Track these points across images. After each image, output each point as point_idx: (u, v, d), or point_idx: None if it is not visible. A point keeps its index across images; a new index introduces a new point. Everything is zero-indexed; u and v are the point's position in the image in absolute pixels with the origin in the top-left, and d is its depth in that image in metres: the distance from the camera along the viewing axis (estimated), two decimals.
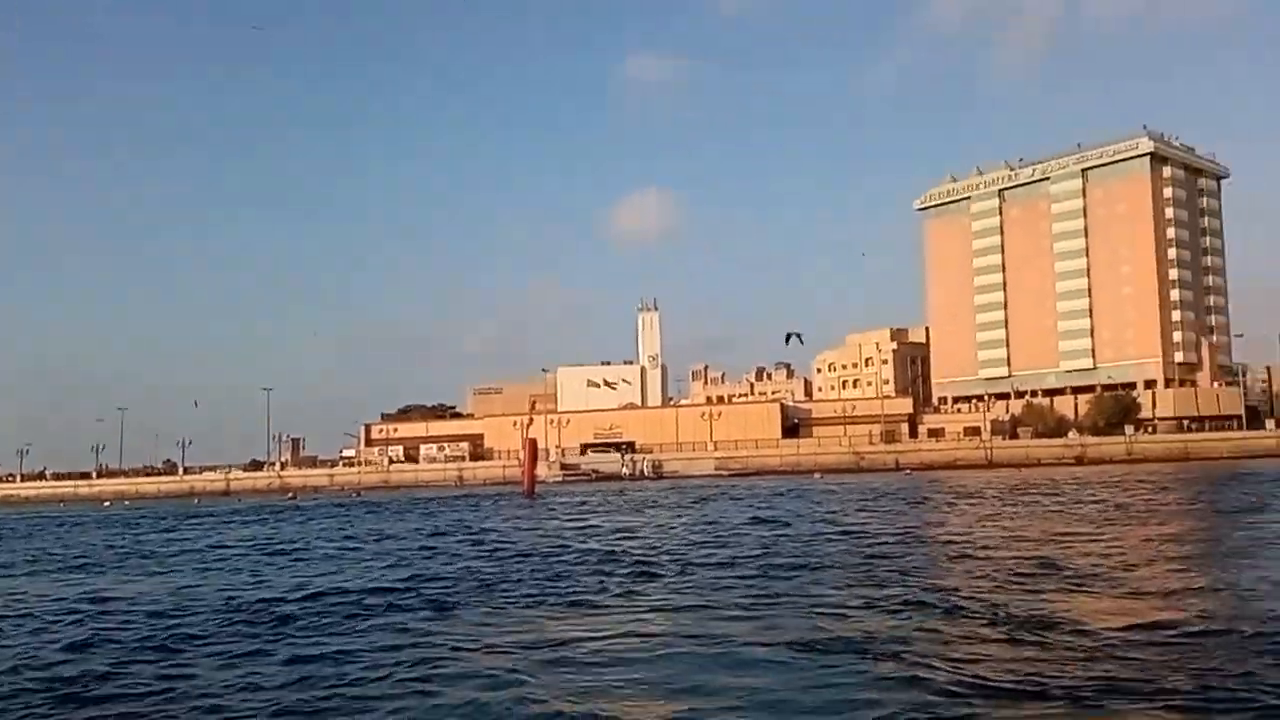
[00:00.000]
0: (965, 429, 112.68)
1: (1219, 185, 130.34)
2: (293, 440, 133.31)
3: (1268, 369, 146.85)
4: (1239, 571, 14.41)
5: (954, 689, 7.60)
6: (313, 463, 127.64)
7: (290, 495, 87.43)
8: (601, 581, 15.33)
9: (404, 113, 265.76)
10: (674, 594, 13.74)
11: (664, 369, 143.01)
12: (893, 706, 7.27)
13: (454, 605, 13.27)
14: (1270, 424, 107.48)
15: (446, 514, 41.51)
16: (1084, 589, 12.61)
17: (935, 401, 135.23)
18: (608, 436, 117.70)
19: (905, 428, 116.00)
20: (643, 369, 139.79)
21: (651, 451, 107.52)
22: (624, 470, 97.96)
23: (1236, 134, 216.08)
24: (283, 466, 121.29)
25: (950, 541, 20.09)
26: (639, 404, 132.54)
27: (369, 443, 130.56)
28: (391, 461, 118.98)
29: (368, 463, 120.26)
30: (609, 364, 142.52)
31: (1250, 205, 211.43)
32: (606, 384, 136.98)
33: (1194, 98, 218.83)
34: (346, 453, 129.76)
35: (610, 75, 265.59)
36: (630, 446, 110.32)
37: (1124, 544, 18.33)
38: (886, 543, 20.03)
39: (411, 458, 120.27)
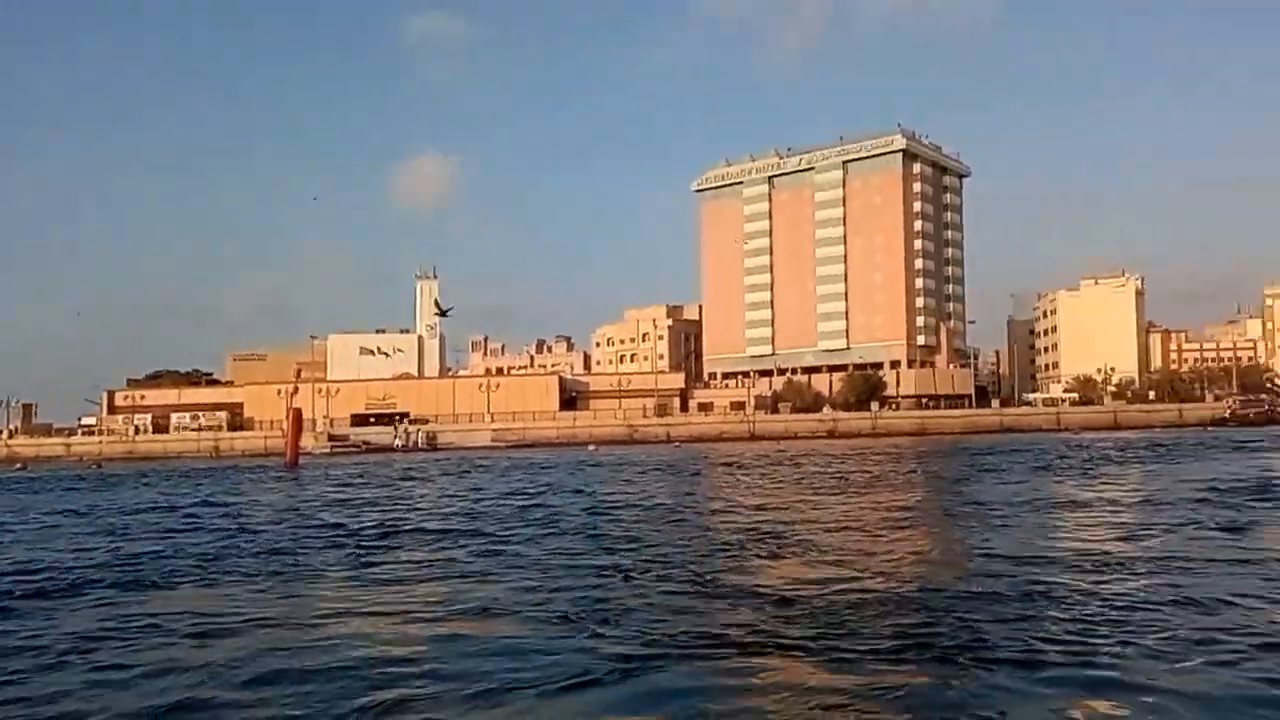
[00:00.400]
0: (732, 404, 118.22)
1: (961, 183, 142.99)
2: (24, 406, 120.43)
3: (996, 353, 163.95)
4: (934, 536, 16.10)
5: (646, 649, 8.11)
6: (47, 431, 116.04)
7: (19, 466, 79.67)
8: (341, 554, 15.06)
9: (169, 63, 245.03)
10: (407, 565, 13.72)
11: (442, 338, 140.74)
12: (593, 667, 7.66)
13: (166, 582, 12.63)
14: (995, 402, 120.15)
15: (192, 487, 39.10)
16: (792, 553, 13.70)
17: (706, 377, 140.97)
18: (381, 407, 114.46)
19: (677, 402, 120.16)
20: (420, 338, 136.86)
21: (427, 423, 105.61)
22: (396, 442, 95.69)
23: (979, 135, 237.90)
24: (11, 435, 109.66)
25: (691, 510, 21.18)
26: (415, 374, 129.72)
27: (113, 410, 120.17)
28: (138, 431, 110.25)
29: (111, 432, 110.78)
30: (384, 332, 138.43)
31: (987, 203, 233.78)
32: (381, 352, 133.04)
33: (944, 98, 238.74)
34: (87, 421, 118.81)
35: (392, 32, 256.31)
36: (404, 418, 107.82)
37: (843, 511, 19.99)
38: (631, 512, 20.83)
39: (162, 428, 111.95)
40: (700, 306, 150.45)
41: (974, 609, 9.61)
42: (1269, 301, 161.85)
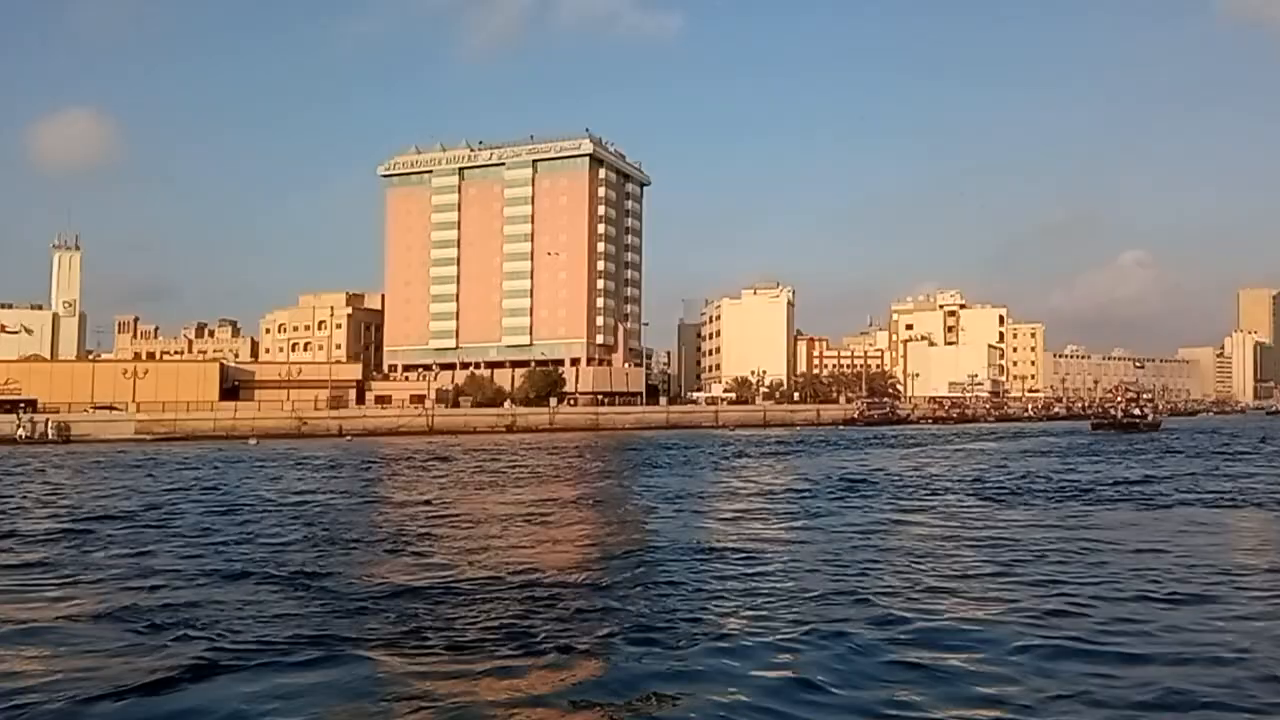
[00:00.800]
0: (412, 397, 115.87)
1: (642, 191, 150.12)
2: None
3: (668, 353, 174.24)
4: (566, 528, 16.88)
5: (231, 652, 7.91)
6: None
7: None
8: None
9: None
10: None
11: (83, 317, 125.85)
12: (171, 672, 7.40)
13: None
14: (664, 400, 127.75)
15: None
16: (420, 548, 13.85)
17: (386, 369, 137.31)
18: (3, 393, 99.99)
19: (353, 394, 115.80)
20: (55, 316, 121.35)
21: (59, 411, 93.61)
22: (20, 433, 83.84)
23: (659, 147, 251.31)
24: None
25: (335, 507, 20.62)
26: (48, 356, 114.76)
27: None
28: None
29: None
30: (10, 307, 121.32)
31: (664, 212, 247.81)
32: (6, 331, 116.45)
33: (630, 108, 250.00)
34: None
35: None
36: (30, 405, 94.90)
37: (490, 505, 20.42)
38: (265, 511, 19.92)
39: None
40: (383, 296, 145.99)
41: (571, 597, 10.29)
42: (895, 316, 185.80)
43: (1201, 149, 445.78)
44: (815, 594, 10.51)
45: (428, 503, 20.89)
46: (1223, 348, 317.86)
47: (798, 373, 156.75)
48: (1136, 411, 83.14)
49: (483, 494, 23.58)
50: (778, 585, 11.10)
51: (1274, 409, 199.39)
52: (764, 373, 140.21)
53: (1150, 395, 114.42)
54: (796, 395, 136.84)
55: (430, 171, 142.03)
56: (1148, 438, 63.76)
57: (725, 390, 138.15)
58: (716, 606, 9.91)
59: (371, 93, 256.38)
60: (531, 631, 8.69)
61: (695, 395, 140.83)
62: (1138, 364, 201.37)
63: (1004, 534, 15.73)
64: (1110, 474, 29.34)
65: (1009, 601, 10.13)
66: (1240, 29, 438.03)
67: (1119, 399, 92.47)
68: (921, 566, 12.46)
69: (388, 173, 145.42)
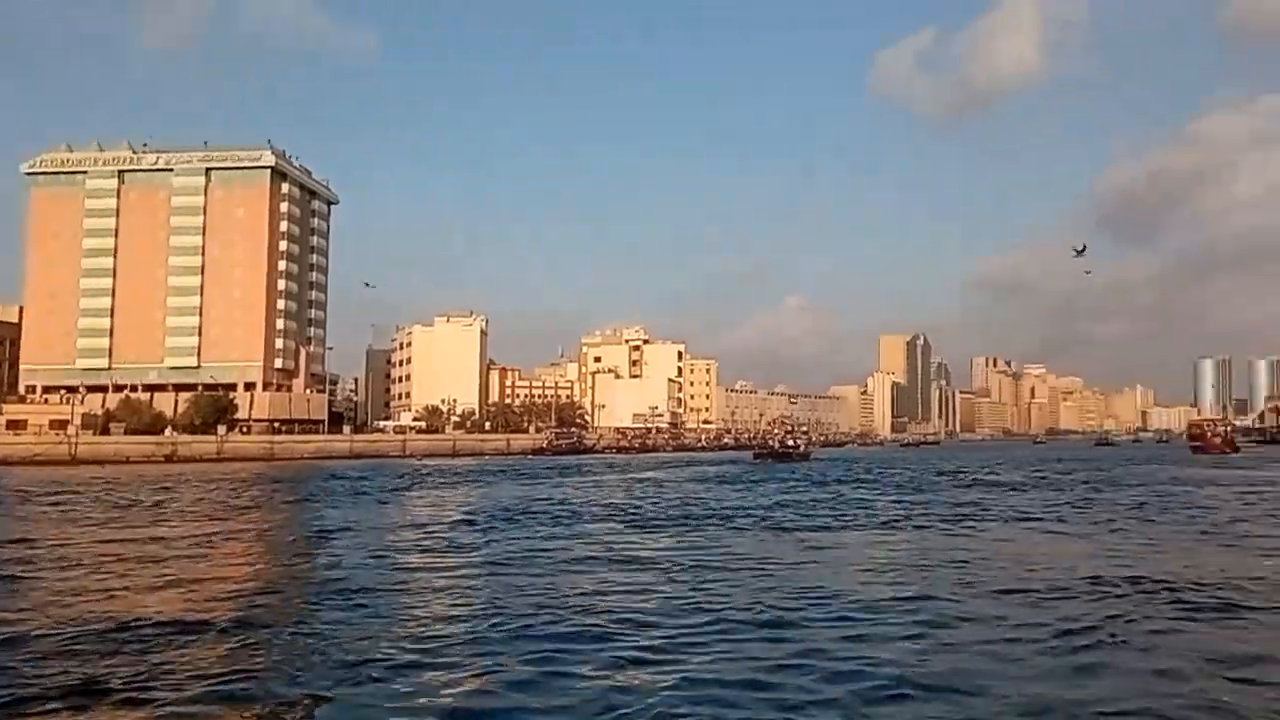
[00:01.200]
0: (53, 422, 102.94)
1: (329, 209, 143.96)
2: None
3: (355, 380, 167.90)
4: (172, 570, 15.58)
5: None
6: None
7: None
8: None
9: None
10: None
11: None
12: None
13: None
14: (348, 428, 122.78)
15: None
16: None
17: (23, 390, 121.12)
18: None
19: None
20: None
21: None
22: None
23: (350, 166, 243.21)
24: None
25: None
26: None
27: None
28: None
29: None
30: None
31: (355, 235, 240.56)
32: None
33: (317, 124, 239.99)
34: None
35: None
36: None
37: (90, 545, 18.44)
38: None
39: None
40: (21, 308, 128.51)
41: (169, 644, 9.52)
42: (585, 349, 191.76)
43: (856, 209, 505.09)
44: (451, 622, 10.52)
45: (20, 541, 18.49)
46: (866, 386, 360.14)
47: (490, 402, 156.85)
48: (791, 443, 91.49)
49: (100, 531, 21.24)
50: (411, 619, 10.98)
51: (907, 441, 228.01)
52: (455, 401, 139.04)
53: (805, 428, 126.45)
54: (488, 425, 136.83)
55: (85, 172, 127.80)
56: (799, 465, 70.48)
57: (415, 419, 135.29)
58: (334, 650, 9.58)
59: (15, 81, 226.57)
60: (107, 686, 7.94)
61: (383, 424, 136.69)
62: (793, 399, 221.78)
63: (639, 554, 16.65)
64: (754, 500, 31.97)
65: (622, 616, 10.73)
66: (883, 107, 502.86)
67: (777, 431, 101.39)
68: (556, 590, 12.88)
69: (33, 170, 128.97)
